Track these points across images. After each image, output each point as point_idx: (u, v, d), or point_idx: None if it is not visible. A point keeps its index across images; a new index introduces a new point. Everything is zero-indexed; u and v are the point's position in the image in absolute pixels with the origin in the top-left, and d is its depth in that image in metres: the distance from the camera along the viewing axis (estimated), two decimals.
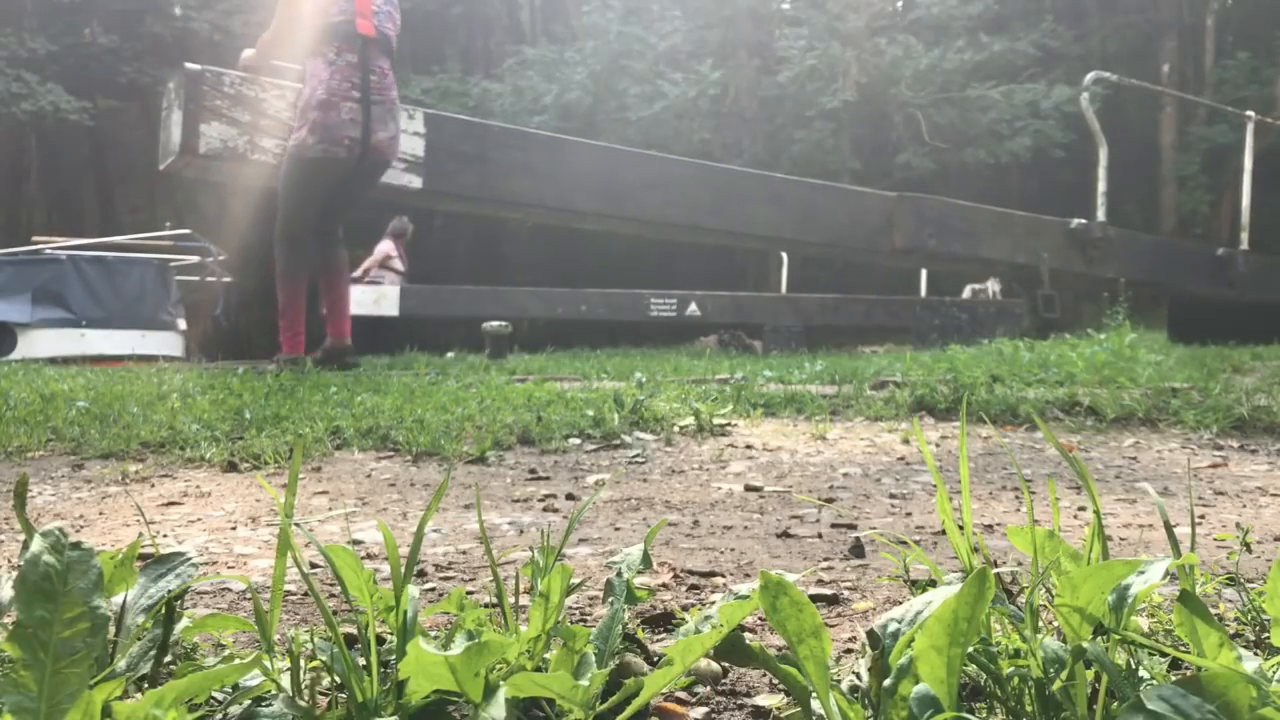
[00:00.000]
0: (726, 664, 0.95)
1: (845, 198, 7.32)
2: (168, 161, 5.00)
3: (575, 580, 0.97)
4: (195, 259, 10.89)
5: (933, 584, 0.99)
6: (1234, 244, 9.32)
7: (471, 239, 19.85)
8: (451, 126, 5.68)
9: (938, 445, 2.75)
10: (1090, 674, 0.72)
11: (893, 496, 2.04)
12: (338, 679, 0.77)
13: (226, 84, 4.85)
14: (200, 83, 4.80)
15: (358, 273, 11.57)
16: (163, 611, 0.81)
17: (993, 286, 10.41)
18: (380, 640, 0.84)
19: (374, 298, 8.90)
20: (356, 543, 1.59)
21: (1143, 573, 0.69)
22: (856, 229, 7.04)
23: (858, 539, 1.55)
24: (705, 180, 6.68)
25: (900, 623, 0.73)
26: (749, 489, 2.12)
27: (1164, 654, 0.80)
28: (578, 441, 2.73)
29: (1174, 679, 0.65)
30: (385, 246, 12.18)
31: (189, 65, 4.86)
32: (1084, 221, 7.86)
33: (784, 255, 11.41)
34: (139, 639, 0.81)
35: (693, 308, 9.03)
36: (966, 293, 10.38)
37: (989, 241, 7.34)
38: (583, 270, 20.87)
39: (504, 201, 5.84)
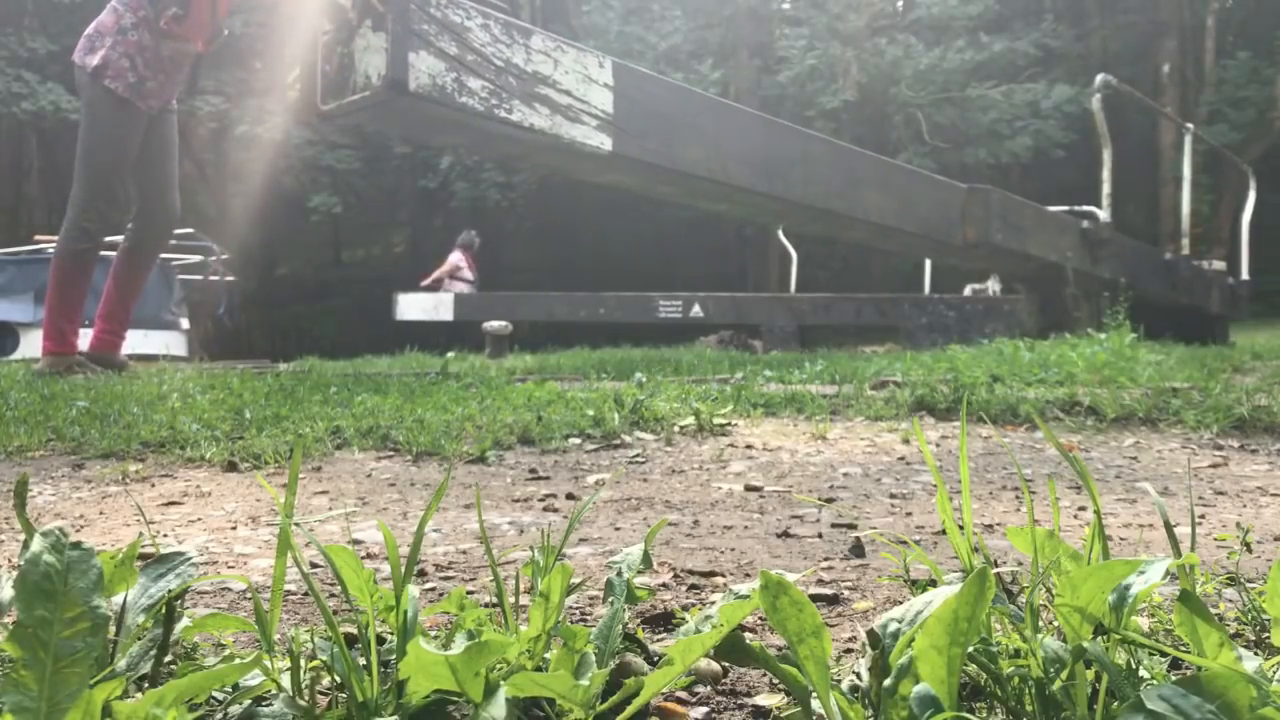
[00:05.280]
0: (726, 664, 0.95)
1: (932, 186, 6.87)
2: (347, 100, 3.95)
3: (575, 580, 0.97)
4: (198, 258, 10.90)
5: (933, 584, 0.99)
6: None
7: None
8: (634, 78, 4.90)
9: (938, 445, 2.75)
10: (1090, 674, 0.72)
11: (893, 496, 2.04)
12: (338, 679, 0.77)
13: (433, 5, 3.92)
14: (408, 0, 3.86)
15: (428, 281, 12.01)
16: (163, 611, 0.81)
17: (993, 286, 10.42)
18: (380, 640, 0.84)
19: (434, 304, 10.16)
20: (356, 542, 1.59)
21: (1143, 572, 0.69)
22: (939, 220, 6.67)
23: (858, 539, 1.55)
24: (833, 159, 6.09)
25: (900, 622, 0.73)
26: (749, 489, 2.12)
27: (1164, 654, 0.80)
28: (578, 441, 2.73)
29: (1174, 679, 0.65)
30: (455, 258, 12.55)
31: None
32: (1097, 211, 7.94)
33: (793, 253, 11.40)
34: (139, 639, 0.81)
35: (696, 309, 9.16)
36: (968, 292, 10.39)
37: (1034, 238, 7.19)
38: (579, 273, 20.89)
39: (681, 173, 5.10)
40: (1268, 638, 0.96)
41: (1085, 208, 8.27)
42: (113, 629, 0.79)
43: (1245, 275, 10.24)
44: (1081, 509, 1.86)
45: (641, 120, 4.75)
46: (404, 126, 4.62)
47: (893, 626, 0.73)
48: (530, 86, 4.25)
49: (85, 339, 5.02)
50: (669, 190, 5.74)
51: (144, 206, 4.89)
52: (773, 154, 5.53)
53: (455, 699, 0.73)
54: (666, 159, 4.92)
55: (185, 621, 0.86)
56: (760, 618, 1.13)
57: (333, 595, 1.25)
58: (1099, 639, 0.71)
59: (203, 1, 4.67)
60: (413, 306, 10.20)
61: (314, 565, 1.41)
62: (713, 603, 1.11)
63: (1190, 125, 9.96)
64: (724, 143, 5.22)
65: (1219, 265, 10.27)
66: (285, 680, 0.77)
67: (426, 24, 3.86)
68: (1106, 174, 7.89)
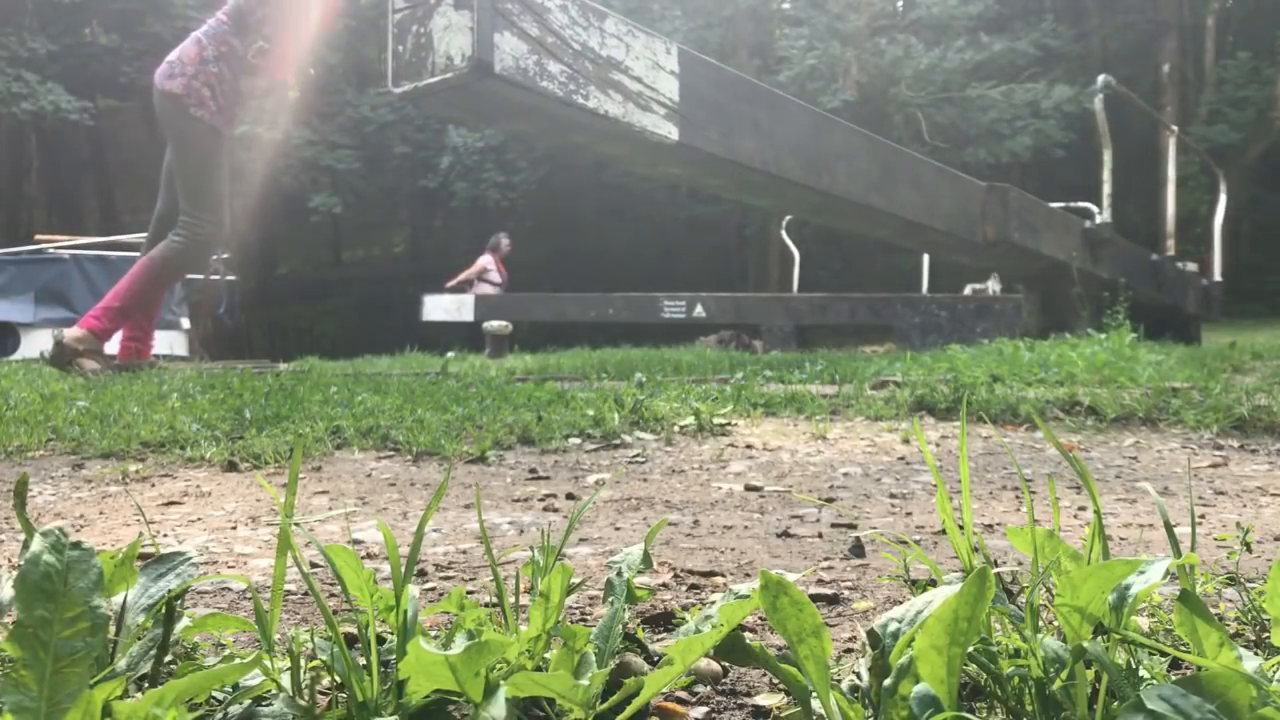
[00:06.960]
0: (726, 664, 0.95)
1: (955, 183, 6.69)
2: (424, 82, 3.74)
3: (575, 580, 0.97)
4: None
5: (933, 584, 0.99)
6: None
7: (470, 239, 19.90)
8: (698, 67, 4.73)
9: (938, 445, 2.75)
10: (1090, 673, 0.72)
11: (893, 496, 2.04)
12: (338, 678, 0.77)
13: None
14: None
15: (454, 283, 12.18)
16: (163, 611, 0.81)
17: (992, 286, 10.42)
18: (380, 640, 0.84)
19: (456, 305, 10.56)
20: (356, 542, 1.59)
21: (1143, 572, 0.69)
22: (962, 218, 6.52)
23: (858, 539, 1.55)
24: (873, 153, 5.87)
25: (900, 622, 0.73)
26: (749, 489, 2.12)
27: (1164, 654, 0.80)
28: (578, 441, 2.73)
29: (1174, 679, 0.65)
30: (484, 260, 12.70)
31: None
32: (1093, 209, 7.98)
33: (795, 253, 11.41)
34: (139, 638, 0.81)
35: (699, 309, 9.24)
36: (967, 291, 10.39)
37: (1045, 237, 7.11)
38: (579, 272, 20.88)
39: (737, 164, 4.91)
40: (1268, 638, 0.96)
41: (1081, 204, 8.32)
42: (113, 629, 0.79)
43: (1218, 277, 10.48)
44: (1081, 509, 1.86)
45: (703, 109, 4.60)
46: (479, 111, 4.39)
47: (893, 626, 0.73)
48: (605, 72, 4.12)
49: (112, 347, 5.09)
50: (719, 183, 5.54)
51: (164, 213, 5.02)
52: (820, 147, 5.39)
53: (455, 699, 0.73)
54: (726, 150, 4.75)
55: (185, 621, 0.86)
56: (760, 618, 1.13)
57: (333, 595, 1.25)
58: (1099, 639, 0.71)
59: (288, 36, 4.76)
60: (437, 308, 10.71)
61: (314, 565, 1.41)
62: (713, 603, 1.11)
63: (1175, 127, 10.19)
64: (777, 135, 5.07)
65: (1193, 267, 10.52)
66: (285, 680, 0.77)
67: (510, 3, 3.69)
68: (1107, 174, 7.91)
